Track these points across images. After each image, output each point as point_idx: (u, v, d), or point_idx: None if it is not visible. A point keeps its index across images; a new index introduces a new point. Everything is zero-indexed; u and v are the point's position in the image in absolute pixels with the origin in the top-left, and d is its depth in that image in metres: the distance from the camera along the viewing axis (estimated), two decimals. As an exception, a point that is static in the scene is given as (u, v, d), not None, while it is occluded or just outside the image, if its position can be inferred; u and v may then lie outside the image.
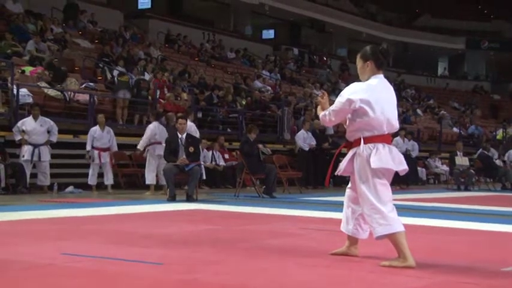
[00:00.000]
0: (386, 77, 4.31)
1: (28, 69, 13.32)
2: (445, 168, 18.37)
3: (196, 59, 22.47)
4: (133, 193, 11.61)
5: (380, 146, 4.08)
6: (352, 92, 4.09)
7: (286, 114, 16.69)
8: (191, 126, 11.27)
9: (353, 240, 4.35)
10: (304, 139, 14.32)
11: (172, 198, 9.59)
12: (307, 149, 14.19)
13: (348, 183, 4.41)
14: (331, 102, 4.23)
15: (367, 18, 35.14)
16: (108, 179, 11.74)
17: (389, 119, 4.12)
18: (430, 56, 38.93)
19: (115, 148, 11.88)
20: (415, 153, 16.31)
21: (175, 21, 25.90)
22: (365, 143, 4.09)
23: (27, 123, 11.03)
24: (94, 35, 19.18)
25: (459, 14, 37.81)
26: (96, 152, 11.58)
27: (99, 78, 15.20)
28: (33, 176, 11.14)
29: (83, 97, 13.12)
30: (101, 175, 11.85)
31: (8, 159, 11.02)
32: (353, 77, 24.86)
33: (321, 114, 4.28)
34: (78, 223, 6.39)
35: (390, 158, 4.08)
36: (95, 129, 11.67)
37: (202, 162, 10.91)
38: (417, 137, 19.54)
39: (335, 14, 32.28)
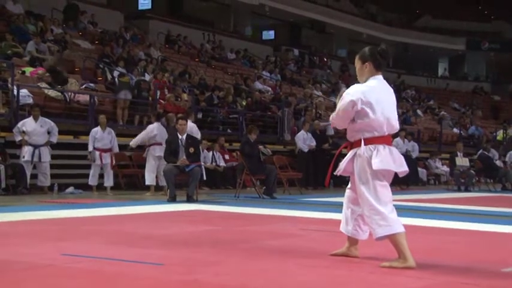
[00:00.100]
0: (385, 78, 4.32)
1: (28, 70, 13.32)
2: (446, 168, 18.37)
3: (197, 59, 22.47)
4: (134, 194, 11.61)
5: (380, 147, 4.09)
6: (353, 94, 4.08)
7: (287, 115, 16.69)
8: (192, 127, 11.29)
9: (353, 241, 4.35)
10: (304, 140, 14.33)
11: (172, 199, 9.59)
12: (306, 150, 14.19)
13: (347, 184, 4.42)
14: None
15: (367, 19, 35.13)
16: (108, 181, 11.70)
17: (389, 120, 4.13)
18: (430, 56, 38.93)
19: (116, 149, 11.86)
20: (415, 154, 16.31)
21: (175, 21, 25.90)
22: (365, 144, 4.09)
23: (28, 124, 11.03)
24: (94, 35, 19.19)
25: (459, 15, 37.80)
26: (97, 152, 11.57)
27: (100, 79, 15.20)
28: (34, 176, 11.14)
29: (83, 98, 13.13)
30: (101, 176, 11.84)
31: (8, 160, 11.02)
32: (353, 78, 24.85)
33: (330, 118, 4.31)
34: (78, 224, 6.39)
35: (391, 160, 4.09)
36: (96, 130, 11.66)
37: (202, 163, 10.90)
38: (417, 137, 19.54)
39: (335, 14, 32.28)
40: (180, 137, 10.01)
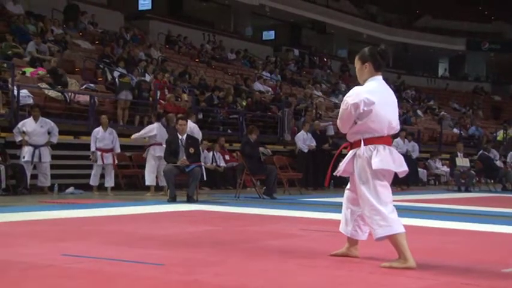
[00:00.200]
0: (385, 78, 4.32)
1: (29, 70, 13.32)
2: (446, 169, 18.37)
3: (197, 60, 22.47)
4: (134, 194, 11.61)
5: (380, 147, 4.09)
6: (354, 97, 4.08)
7: (287, 115, 16.69)
8: (194, 128, 11.30)
9: (353, 241, 4.35)
10: (304, 140, 14.32)
11: (172, 199, 9.59)
12: (306, 150, 14.19)
13: (347, 184, 4.42)
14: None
15: (367, 19, 35.14)
16: (109, 181, 11.69)
17: (389, 121, 4.13)
18: (431, 57, 38.93)
19: (118, 149, 11.84)
20: (415, 154, 16.31)
21: (175, 22, 25.91)
22: (365, 144, 4.10)
23: (28, 124, 11.03)
24: (94, 36, 19.19)
25: (459, 15, 37.81)
26: (98, 153, 11.56)
27: (100, 79, 15.20)
28: (34, 177, 11.14)
29: (84, 98, 13.13)
30: (102, 176, 11.81)
31: (8, 160, 11.02)
32: (353, 78, 24.85)
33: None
34: (78, 224, 6.39)
35: (391, 160, 4.09)
36: (98, 130, 11.65)
37: (202, 164, 10.89)
38: (417, 138, 19.53)
39: (335, 15, 32.29)
40: (180, 137, 10.01)
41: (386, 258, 4.14)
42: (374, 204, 4.02)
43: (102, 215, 7.53)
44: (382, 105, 4.08)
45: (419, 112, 26.71)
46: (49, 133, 11.22)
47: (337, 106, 16.01)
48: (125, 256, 4.23)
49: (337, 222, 4.53)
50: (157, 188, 11.72)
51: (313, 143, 14.30)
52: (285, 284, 3.54)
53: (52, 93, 12.65)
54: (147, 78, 15.72)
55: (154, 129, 11.76)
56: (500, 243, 5.73)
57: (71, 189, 11.42)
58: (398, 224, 4.02)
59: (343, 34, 33.91)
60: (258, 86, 20.32)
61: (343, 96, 4.30)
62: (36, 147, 10.97)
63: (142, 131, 11.97)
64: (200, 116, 14.92)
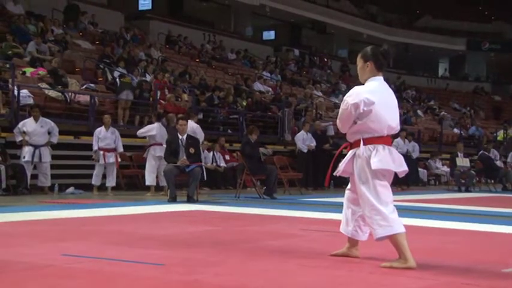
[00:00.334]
0: (385, 78, 4.32)
1: (29, 70, 13.32)
2: (446, 169, 18.37)
3: (197, 60, 22.47)
4: (134, 194, 11.61)
5: (380, 147, 4.08)
6: (355, 97, 4.08)
7: (287, 115, 16.69)
8: (196, 128, 11.33)
9: (353, 242, 4.35)
10: (304, 140, 14.32)
11: (172, 199, 9.59)
12: (305, 150, 14.19)
13: (347, 184, 4.42)
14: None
15: (367, 19, 35.14)
16: (110, 181, 11.68)
17: (389, 122, 4.12)
18: (431, 57, 38.93)
19: (120, 149, 11.83)
20: (415, 154, 16.31)
21: (175, 22, 25.91)
22: (365, 144, 4.10)
23: (28, 124, 11.03)
24: (95, 36, 19.19)
25: (460, 15, 37.80)
26: (101, 152, 11.55)
27: (100, 79, 15.20)
28: (34, 177, 11.15)
29: (84, 98, 13.13)
30: (104, 176, 11.79)
31: (8, 160, 11.03)
32: (353, 78, 24.90)
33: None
34: (78, 224, 6.39)
35: (390, 159, 4.09)
36: (100, 130, 11.65)
37: (203, 164, 10.89)
38: (418, 138, 19.53)
39: (336, 15, 32.29)
40: (180, 137, 10.01)
41: (386, 258, 4.14)
42: (374, 204, 4.02)
43: (102, 215, 7.53)
44: (382, 105, 4.08)
45: (419, 112, 26.72)
46: (49, 133, 11.23)
47: (337, 106, 15.98)
48: (125, 256, 4.23)
49: (338, 222, 4.53)
50: (158, 188, 11.73)
51: (313, 143, 14.30)
52: (285, 284, 3.54)
53: (52, 93, 12.65)
54: (147, 78, 15.72)
55: (154, 129, 11.78)
56: (500, 243, 5.73)
57: (71, 189, 11.43)
58: (398, 224, 4.02)
59: (344, 34, 33.92)
60: (258, 86, 20.32)
61: (343, 96, 4.29)
62: (36, 147, 10.97)
63: (142, 129, 12.05)
64: (200, 116, 14.92)
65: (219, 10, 29.56)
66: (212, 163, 13.84)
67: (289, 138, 16.18)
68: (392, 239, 4.01)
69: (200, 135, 11.49)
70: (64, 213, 7.43)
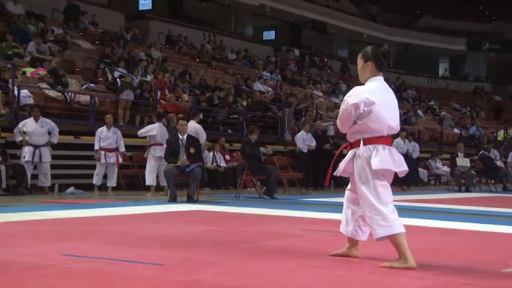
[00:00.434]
0: (385, 78, 4.32)
1: (29, 70, 13.32)
2: (446, 169, 18.37)
3: (197, 60, 22.47)
4: (134, 194, 11.61)
5: (380, 147, 4.09)
6: (355, 97, 4.08)
7: (287, 115, 16.69)
8: (198, 129, 11.33)
9: (353, 242, 4.35)
10: (304, 140, 14.33)
11: (173, 199, 9.59)
12: (305, 150, 14.19)
13: (348, 184, 4.41)
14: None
15: (367, 19, 35.14)
16: (111, 181, 11.67)
17: (390, 122, 4.12)
18: (431, 57, 38.92)
19: (122, 149, 11.81)
20: (416, 154, 16.31)
21: (176, 22, 25.91)
22: (365, 144, 4.10)
23: (28, 124, 11.03)
24: (95, 36, 19.19)
25: (460, 15, 37.80)
26: (102, 152, 11.55)
27: (100, 79, 15.19)
28: (34, 177, 11.15)
29: (84, 98, 13.13)
30: (105, 175, 11.79)
31: (9, 160, 11.03)
32: (354, 78, 24.90)
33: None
34: (78, 224, 6.39)
35: (391, 159, 4.09)
36: (102, 130, 11.64)
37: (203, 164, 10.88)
38: (418, 138, 19.53)
39: (336, 15, 32.29)
40: (180, 137, 10.02)
41: (386, 258, 4.14)
42: (374, 204, 4.02)
43: (103, 215, 7.53)
44: (382, 105, 4.08)
45: (419, 112, 26.71)
46: (49, 133, 11.23)
47: (338, 106, 16.01)
48: (125, 256, 4.23)
49: (338, 222, 4.53)
50: (158, 188, 11.73)
51: (313, 143, 14.30)
52: (285, 284, 3.54)
53: (52, 93, 12.65)
54: (148, 78, 15.72)
55: (154, 129, 11.78)
56: (500, 243, 5.74)
57: (71, 189, 11.43)
58: (398, 224, 4.02)
59: (344, 34, 33.92)
60: (258, 86, 20.32)
61: (344, 96, 4.29)
62: (36, 147, 10.97)
63: (143, 129, 12.06)
64: (201, 116, 14.91)
65: (219, 10, 29.56)
66: (212, 163, 13.84)
67: (289, 138, 16.18)
68: (393, 239, 4.01)
69: (202, 136, 11.49)
70: (64, 213, 7.43)
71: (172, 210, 8.35)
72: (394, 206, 4.12)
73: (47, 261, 4.01)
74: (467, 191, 15.34)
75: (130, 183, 13.05)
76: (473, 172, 15.89)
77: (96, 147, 11.51)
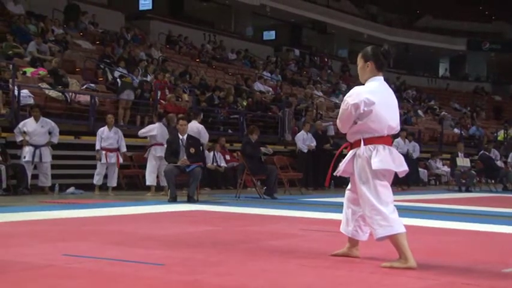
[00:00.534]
0: (385, 78, 4.32)
1: (29, 70, 13.33)
2: (446, 169, 18.37)
3: (197, 60, 22.47)
4: (134, 194, 11.61)
5: (380, 147, 4.09)
6: (355, 97, 4.08)
7: (287, 115, 16.69)
8: (200, 129, 11.33)
9: (353, 242, 4.35)
10: (304, 140, 14.33)
11: (173, 199, 9.59)
12: (305, 150, 14.19)
13: (348, 184, 4.41)
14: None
15: (368, 19, 35.14)
16: (112, 181, 11.67)
17: (390, 122, 4.12)
18: (431, 57, 38.92)
19: (124, 149, 11.81)
20: (416, 154, 16.32)
21: (176, 22, 25.91)
22: (365, 144, 4.10)
23: (28, 124, 11.03)
24: (95, 36, 19.20)
25: (460, 15, 37.80)
26: (103, 152, 11.54)
27: (100, 79, 15.20)
28: (34, 177, 11.15)
29: (84, 98, 13.14)
30: (105, 175, 11.79)
31: (9, 160, 11.03)
32: (354, 78, 24.89)
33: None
34: (79, 224, 6.39)
35: (391, 159, 4.09)
36: (103, 130, 11.64)
37: (205, 164, 10.89)
38: (418, 138, 19.53)
39: (336, 15, 32.29)
40: (180, 137, 10.02)
41: (386, 258, 4.14)
42: (375, 204, 4.02)
43: (103, 215, 7.53)
44: (382, 105, 4.08)
45: (420, 112, 26.71)
46: (50, 133, 11.23)
47: (338, 106, 16.00)
48: (125, 256, 4.23)
49: (338, 222, 4.53)
50: (158, 188, 11.73)
51: (313, 143, 14.30)
52: (286, 284, 3.54)
53: (53, 93, 12.65)
54: (148, 78, 15.73)
55: (155, 129, 11.79)
56: (501, 243, 5.73)
57: (71, 189, 11.43)
58: (399, 224, 4.02)
59: (344, 34, 33.92)
60: (258, 86, 20.33)
61: (344, 96, 4.29)
62: (36, 147, 10.97)
63: (144, 129, 12.07)
64: (201, 116, 14.92)
65: (219, 10, 29.56)
66: (212, 163, 13.85)
67: (290, 138, 16.18)
68: (393, 239, 4.01)
69: (204, 136, 11.50)
70: (64, 213, 7.43)
71: (173, 210, 8.35)
72: (394, 206, 4.12)
73: (47, 261, 4.00)
74: (467, 191, 15.34)
75: (131, 183, 13.05)
76: (473, 172, 15.90)
77: (97, 147, 11.51)
